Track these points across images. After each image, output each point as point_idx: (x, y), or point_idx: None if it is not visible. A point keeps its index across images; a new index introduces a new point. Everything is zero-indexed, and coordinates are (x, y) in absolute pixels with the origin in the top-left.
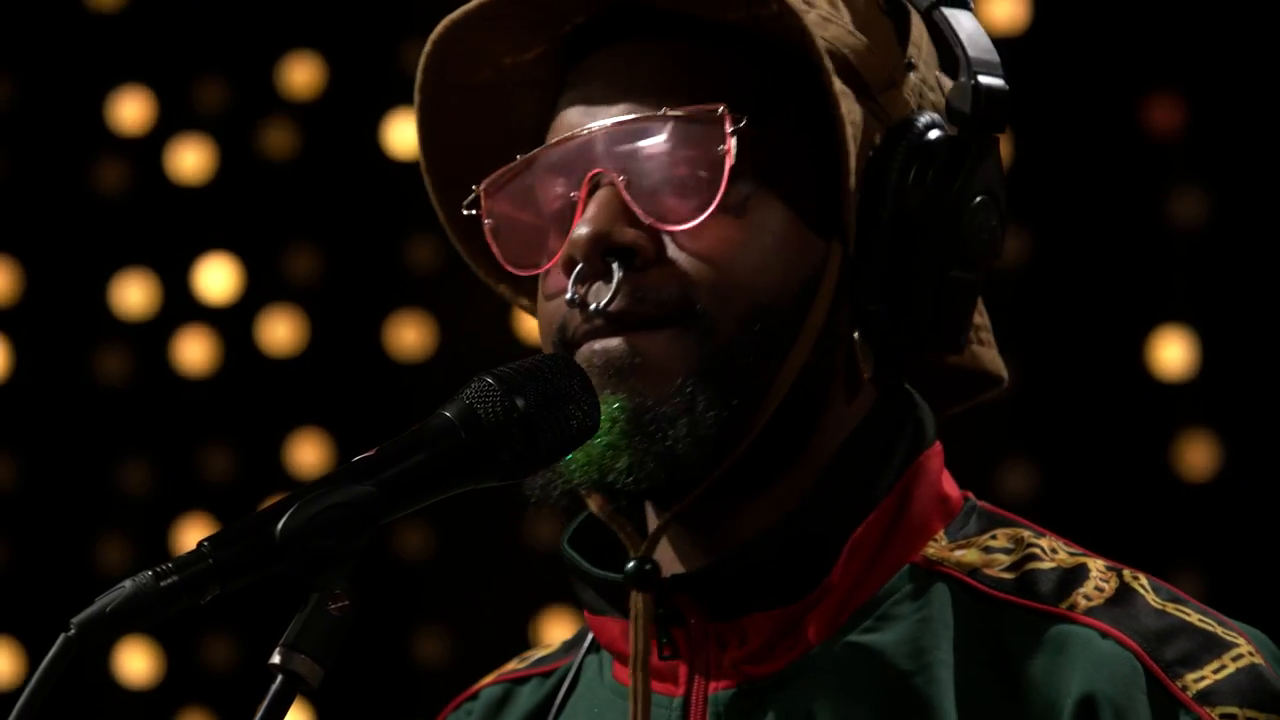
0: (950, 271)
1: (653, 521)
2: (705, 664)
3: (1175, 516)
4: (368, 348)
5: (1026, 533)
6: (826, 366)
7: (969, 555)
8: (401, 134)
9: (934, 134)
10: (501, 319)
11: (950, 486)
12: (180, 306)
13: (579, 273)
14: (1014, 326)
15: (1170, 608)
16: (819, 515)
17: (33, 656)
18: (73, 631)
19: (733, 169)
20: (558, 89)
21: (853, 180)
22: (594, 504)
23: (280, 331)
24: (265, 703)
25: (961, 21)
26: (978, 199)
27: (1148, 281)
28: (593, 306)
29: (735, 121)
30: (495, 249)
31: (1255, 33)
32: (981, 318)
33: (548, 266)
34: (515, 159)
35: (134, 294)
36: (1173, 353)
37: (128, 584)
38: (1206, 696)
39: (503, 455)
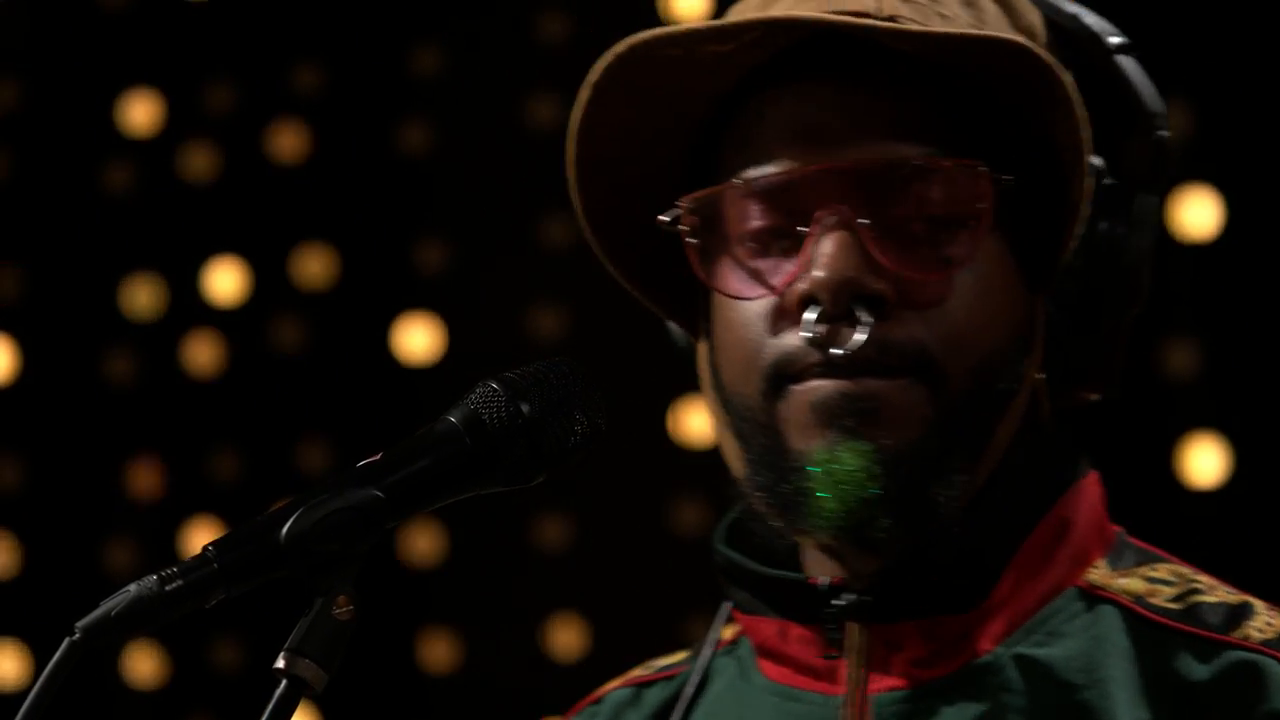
0: (1125, 319)
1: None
2: (871, 665)
3: (1181, 521)
4: (376, 351)
5: (1184, 569)
6: (1027, 424)
7: (1133, 583)
8: (412, 136)
9: (1108, 181)
10: (510, 322)
11: (1106, 518)
12: (188, 308)
13: (821, 313)
14: None
15: None
16: (988, 529)
17: (38, 660)
18: (77, 635)
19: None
20: (755, 101)
21: (1078, 231)
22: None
23: (288, 334)
24: (270, 707)
25: (1133, 70)
26: (1146, 245)
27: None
28: (836, 351)
29: (994, 177)
30: (700, 269)
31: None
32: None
33: (767, 295)
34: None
35: (142, 296)
36: (1180, 360)
37: (132, 588)
38: None
39: (508, 461)
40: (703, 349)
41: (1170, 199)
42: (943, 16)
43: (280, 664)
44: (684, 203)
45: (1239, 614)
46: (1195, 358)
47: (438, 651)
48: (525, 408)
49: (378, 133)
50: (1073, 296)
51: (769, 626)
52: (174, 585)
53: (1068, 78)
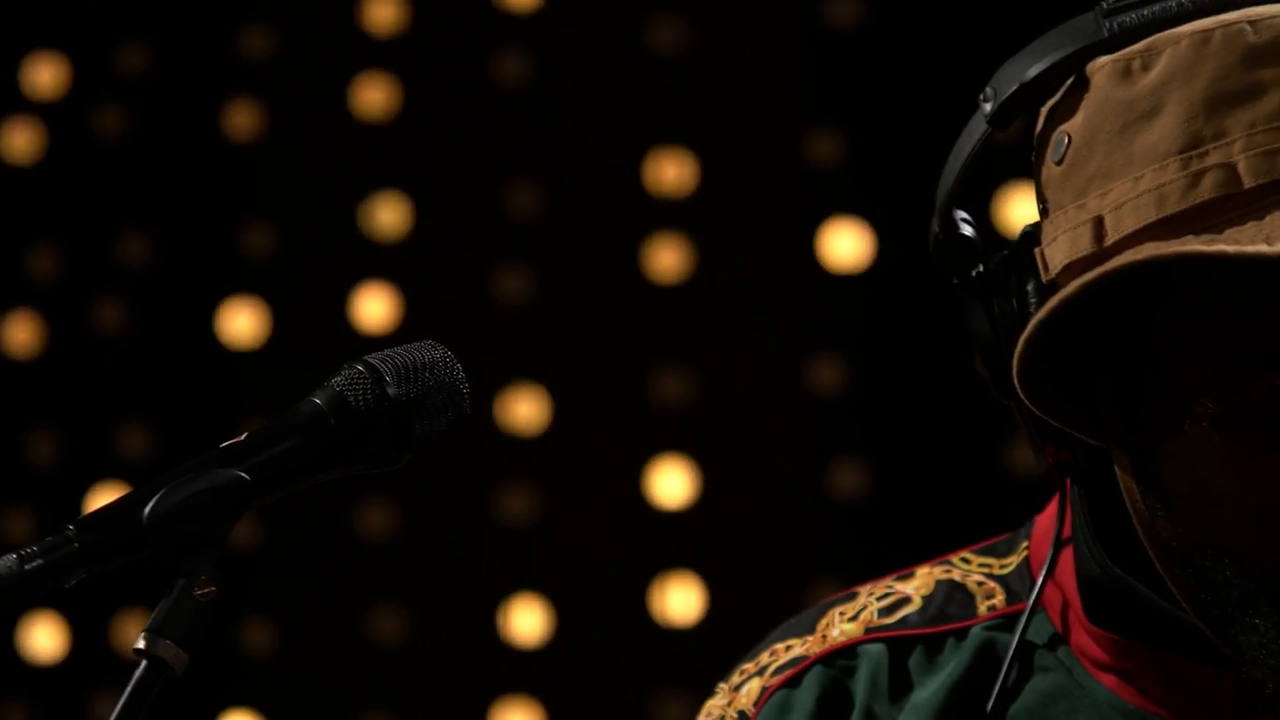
0: None
1: None
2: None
3: (1004, 514)
4: (199, 334)
5: None
6: None
7: None
8: (239, 118)
9: None
10: (336, 308)
11: None
12: (8, 289)
13: None
14: (856, 329)
15: None
16: None
17: None
18: None
19: None
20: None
21: None
22: None
23: (109, 315)
24: (129, 688)
25: None
26: None
27: None
28: None
29: None
30: (1216, 454)
31: None
32: None
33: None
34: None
35: None
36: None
37: None
38: None
39: (373, 443)
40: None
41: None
42: None
43: (140, 645)
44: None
45: None
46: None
47: (258, 637)
48: (391, 389)
49: (204, 114)
50: None
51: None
52: (33, 564)
53: None
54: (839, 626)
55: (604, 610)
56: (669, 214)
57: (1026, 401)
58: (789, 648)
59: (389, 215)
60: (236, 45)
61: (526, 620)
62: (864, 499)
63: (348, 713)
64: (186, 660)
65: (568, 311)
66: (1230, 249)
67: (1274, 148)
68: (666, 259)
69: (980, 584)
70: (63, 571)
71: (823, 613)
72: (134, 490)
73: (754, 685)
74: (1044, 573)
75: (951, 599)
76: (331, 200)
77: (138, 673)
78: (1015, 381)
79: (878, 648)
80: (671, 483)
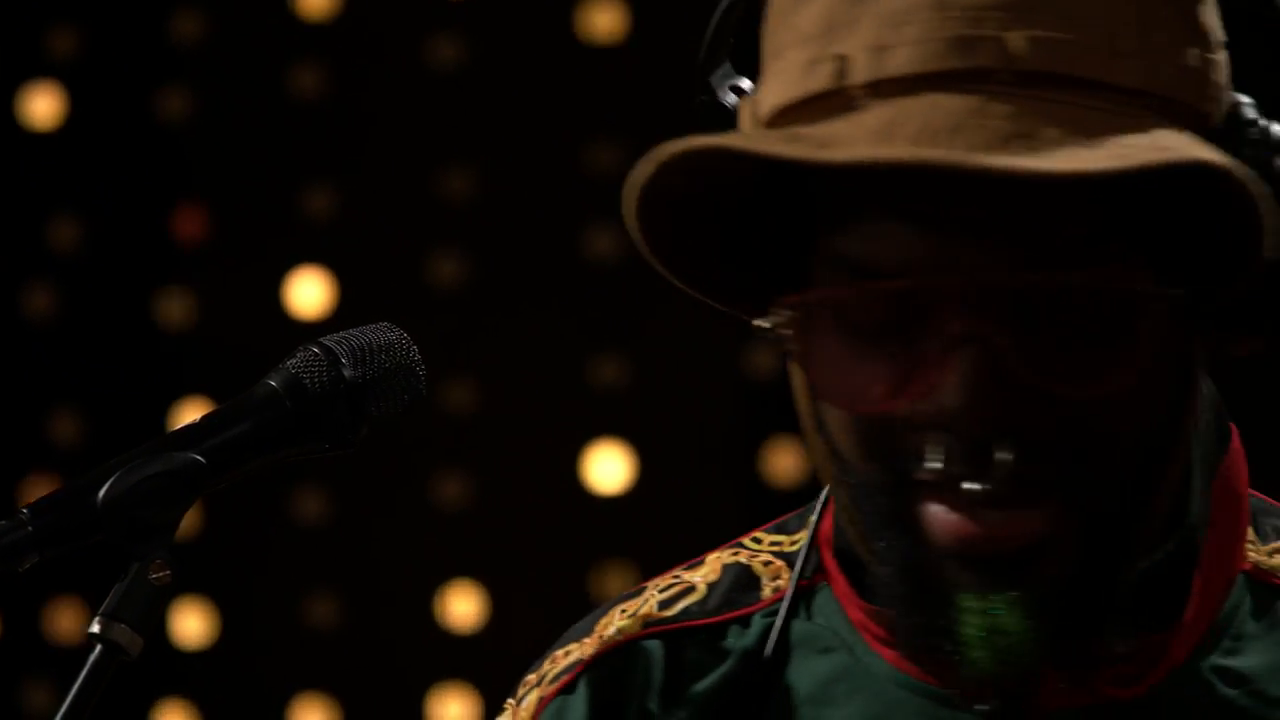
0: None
1: None
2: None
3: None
4: (132, 319)
5: None
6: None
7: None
8: (172, 103)
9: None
10: (268, 292)
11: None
12: None
13: (950, 450)
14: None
15: None
16: (1178, 552)
17: None
18: None
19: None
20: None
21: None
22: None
23: (40, 301)
24: (84, 672)
25: None
26: None
27: None
28: (970, 486)
29: (1157, 286)
30: (806, 372)
31: None
32: None
33: (873, 398)
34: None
35: None
36: None
37: None
38: None
39: (329, 424)
40: (797, 374)
41: None
42: (1116, 54)
43: (95, 629)
44: (785, 307)
45: None
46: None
47: (192, 625)
48: (347, 372)
49: (136, 99)
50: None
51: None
52: None
53: (1258, 187)
54: (616, 624)
55: (540, 595)
56: (605, 198)
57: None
58: (567, 653)
59: (322, 200)
60: (168, 30)
61: (462, 606)
62: (800, 482)
63: (283, 699)
64: (141, 645)
65: (502, 295)
66: (757, 148)
67: (886, 44)
68: (602, 243)
69: (767, 564)
70: (16, 555)
71: (605, 612)
72: (88, 474)
73: (532, 698)
74: (805, 546)
75: (738, 584)
76: (264, 184)
77: (92, 657)
78: (639, 242)
79: (654, 643)
80: (608, 467)
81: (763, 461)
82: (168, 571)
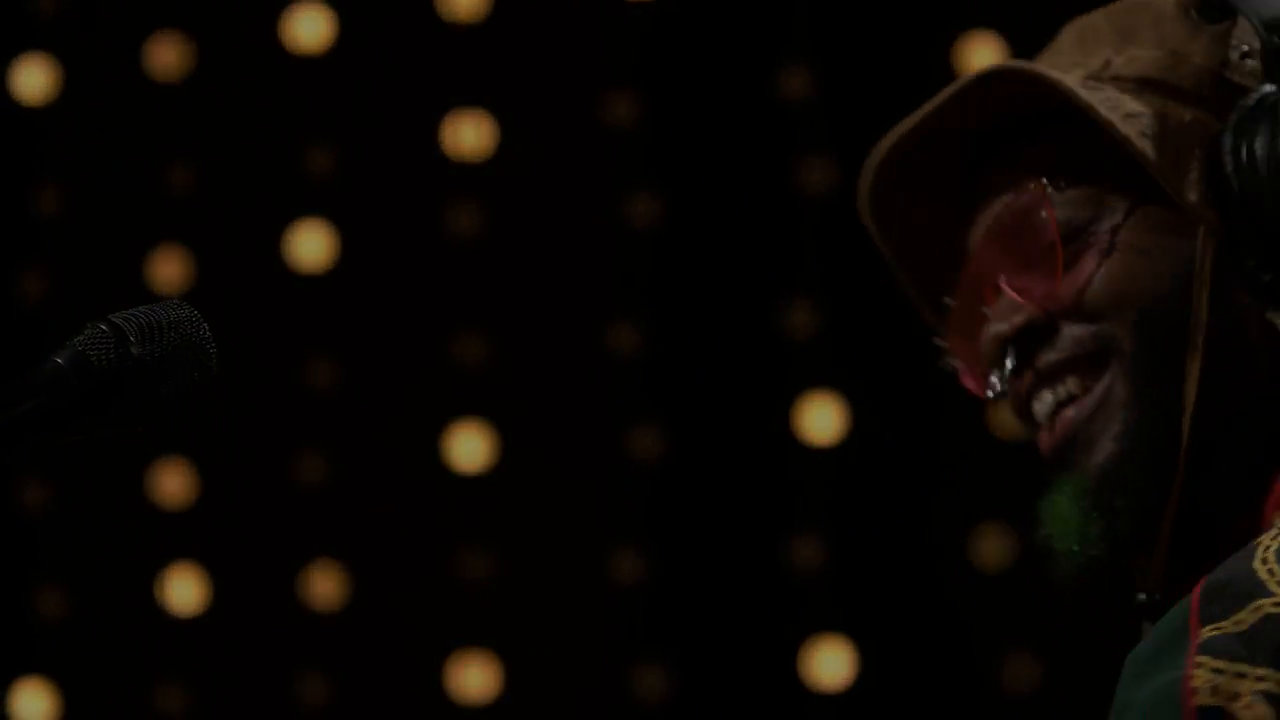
0: None
1: None
2: None
3: (798, 481)
4: None
5: None
6: (1239, 355)
7: None
8: (30, 78)
9: (1256, 98)
10: (129, 269)
11: None
12: None
13: (994, 374)
14: (647, 290)
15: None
16: (1230, 475)
17: None
18: None
19: (1061, 226)
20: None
21: (1169, 171)
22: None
23: None
24: None
25: None
26: None
27: (778, 249)
28: (1000, 389)
29: (1050, 188)
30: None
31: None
32: None
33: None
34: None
35: None
36: (801, 319)
37: None
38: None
39: (116, 404)
40: None
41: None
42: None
43: None
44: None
45: None
46: (814, 317)
47: (50, 604)
48: (135, 350)
49: None
50: (1257, 219)
51: None
52: None
53: (1136, 64)
54: None
55: (402, 575)
56: (467, 177)
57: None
58: None
59: (180, 175)
60: (26, 3)
61: (324, 586)
62: (660, 462)
63: (144, 680)
64: None
65: (365, 274)
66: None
67: None
68: (464, 220)
69: None
70: None
71: None
72: None
73: None
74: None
75: None
76: (124, 162)
77: None
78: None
79: None
80: (469, 446)
81: (624, 440)
82: None
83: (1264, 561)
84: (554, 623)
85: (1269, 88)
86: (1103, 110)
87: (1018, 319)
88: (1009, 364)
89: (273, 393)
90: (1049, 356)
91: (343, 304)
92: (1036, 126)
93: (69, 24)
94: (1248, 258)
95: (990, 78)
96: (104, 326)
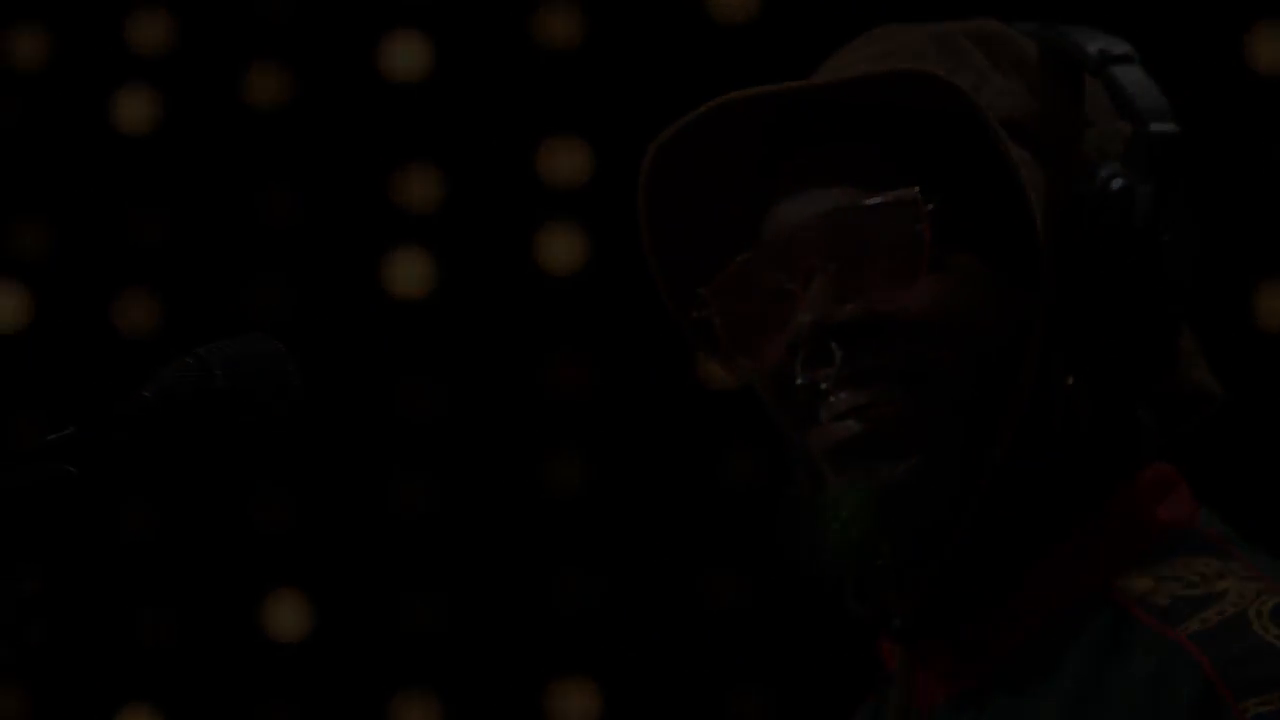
0: (1146, 305)
1: None
2: (914, 680)
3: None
4: (95, 324)
5: (1218, 563)
6: (1046, 416)
7: (1142, 583)
8: (132, 109)
9: (1116, 182)
10: (231, 295)
11: (1169, 511)
12: None
13: (803, 358)
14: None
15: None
16: (1004, 538)
17: None
18: None
19: (931, 243)
20: (769, 184)
21: (1040, 235)
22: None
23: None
24: None
25: (1130, 76)
26: (1166, 237)
27: None
28: (822, 386)
29: (927, 202)
30: (723, 342)
31: None
32: (1190, 343)
33: (773, 355)
34: (733, 254)
35: None
36: None
37: None
38: None
39: (202, 433)
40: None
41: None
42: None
43: None
44: (707, 291)
45: (1203, 603)
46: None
47: (155, 629)
48: (219, 382)
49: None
50: (1088, 294)
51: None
52: None
53: (1007, 101)
54: None
55: (501, 599)
56: (563, 204)
57: None
58: None
59: (281, 205)
60: (126, 36)
61: (424, 612)
62: (762, 487)
63: (246, 705)
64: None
65: (463, 301)
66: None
67: None
68: (561, 247)
69: None
70: None
71: None
72: None
73: None
74: None
75: None
76: (223, 191)
77: None
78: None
79: None
80: (565, 473)
81: (723, 467)
82: (37, 582)
83: (1266, 630)
84: (656, 647)
85: (1114, 167)
86: (1023, 171)
87: (848, 312)
88: (836, 355)
89: (374, 418)
90: (870, 360)
91: (441, 331)
92: (854, 119)
93: (169, 55)
94: (1080, 327)
95: (896, 78)
96: (190, 360)
